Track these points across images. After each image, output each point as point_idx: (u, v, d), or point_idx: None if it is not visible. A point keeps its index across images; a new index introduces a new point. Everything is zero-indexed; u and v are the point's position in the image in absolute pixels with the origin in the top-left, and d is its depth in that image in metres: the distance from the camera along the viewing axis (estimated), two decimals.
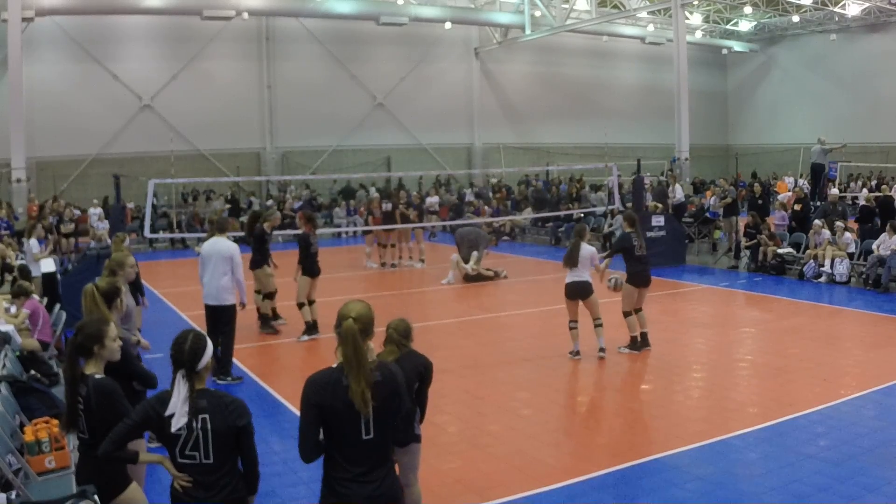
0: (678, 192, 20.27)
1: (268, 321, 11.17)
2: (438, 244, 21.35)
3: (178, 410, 3.34)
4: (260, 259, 11.12)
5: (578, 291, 9.03)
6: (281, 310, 11.50)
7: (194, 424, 3.35)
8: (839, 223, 15.10)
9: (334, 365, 3.35)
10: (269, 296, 11.23)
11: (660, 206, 18.48)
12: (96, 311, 4.67)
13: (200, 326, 9.14)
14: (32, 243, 13.44)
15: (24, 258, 14.80)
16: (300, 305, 10.59)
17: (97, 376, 3.85)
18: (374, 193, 22.36)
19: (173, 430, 3.34)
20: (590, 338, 9.31)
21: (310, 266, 10.57)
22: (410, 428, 4.52)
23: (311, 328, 10.56)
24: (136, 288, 8.86)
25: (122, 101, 26.35)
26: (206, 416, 3.36)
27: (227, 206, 24.53)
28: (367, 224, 18.65)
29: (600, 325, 9.21)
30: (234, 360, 8.93)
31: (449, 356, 9.50)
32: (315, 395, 3.26)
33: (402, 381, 3.46)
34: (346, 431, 3.28)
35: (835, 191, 18.15)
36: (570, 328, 9.28)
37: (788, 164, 32.41)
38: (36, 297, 10.07)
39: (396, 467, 4.60)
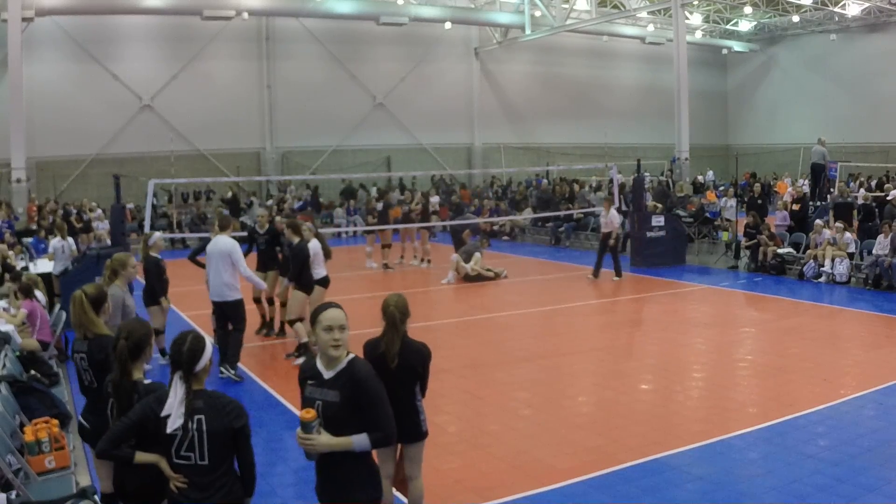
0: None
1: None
2: (439, 244, 21.32)
3: (175, 411, 3.34)
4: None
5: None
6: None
7: (190, 425, 3.34)
8: (839, 224, 15.07)
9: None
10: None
11: (660, 206, 18.52)
12: (84, 318, 4.64)
13: (201, 326, 9.15)
14: (71, 241, 13.92)
15: (27, 257, 14.84)
16: (291, 323, 9.56)
17: (146, 381, 3.82)
18: (373, 193, 22.30)
19: (169, 430, 3.34)
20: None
21: (307, 280, 9.36)
22: (417, 424, 4.54)
23: (304, 348, 9.15)
24: (161, 287, 8.95)
25: (122, 101, 26.33)
26: (202, 416, 3.35)
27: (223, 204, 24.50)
28: (366, 224, 18.66)
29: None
30: None
31: (449, 356, 9.50)
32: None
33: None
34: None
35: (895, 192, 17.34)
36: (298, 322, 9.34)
37: (788, 164, 32.41)
38: (40, 294, 10.14)
39: (398, 457, 4.63)
